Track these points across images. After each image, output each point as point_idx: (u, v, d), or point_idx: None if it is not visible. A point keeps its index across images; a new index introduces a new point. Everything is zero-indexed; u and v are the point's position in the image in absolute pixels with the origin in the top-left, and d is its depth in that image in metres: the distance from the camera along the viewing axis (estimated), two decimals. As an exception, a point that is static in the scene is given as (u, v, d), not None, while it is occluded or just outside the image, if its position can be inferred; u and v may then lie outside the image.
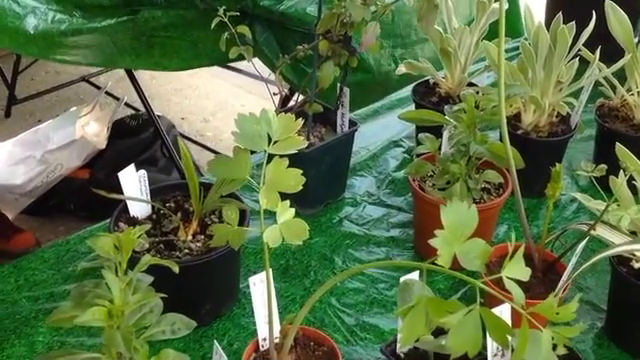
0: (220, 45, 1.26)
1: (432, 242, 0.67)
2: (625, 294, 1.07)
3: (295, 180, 0.78)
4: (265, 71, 2.26)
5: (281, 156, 0.80)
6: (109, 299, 0.75)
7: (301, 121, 0.83)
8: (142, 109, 2.70)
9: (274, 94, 1.32)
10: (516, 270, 0.70)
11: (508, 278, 0.69)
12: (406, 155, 1.56)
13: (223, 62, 2.35)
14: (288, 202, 0.79)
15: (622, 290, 1.07)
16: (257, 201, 0.78)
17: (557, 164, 1.02)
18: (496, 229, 1.34)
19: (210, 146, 3.18)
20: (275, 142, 0.81)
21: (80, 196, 2.60)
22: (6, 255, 2.21)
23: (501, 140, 1.09)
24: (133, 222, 1.12)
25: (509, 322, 0.75)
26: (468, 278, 0.69)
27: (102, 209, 1.17)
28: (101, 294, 0.76)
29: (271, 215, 0.79)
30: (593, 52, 1.34)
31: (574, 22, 1.31)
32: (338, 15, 1.19)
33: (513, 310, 0.71)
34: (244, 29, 1.29)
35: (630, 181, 1.07)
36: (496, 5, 1.40)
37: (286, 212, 0.79)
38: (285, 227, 0.78)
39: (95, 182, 2.64)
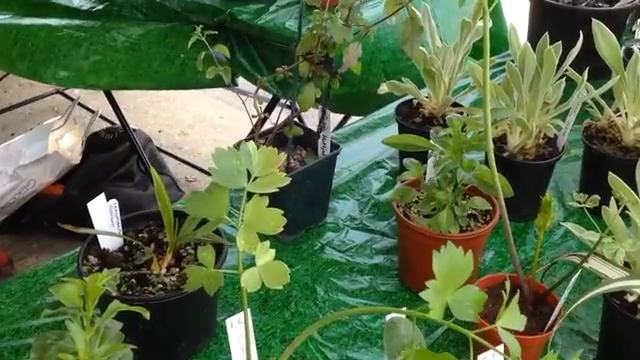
0: (197, 66, 1.20)
1: (424, 295, 0.62)
2: (619, 328, 1.03)
3: (275, 221, 0.73)
4: (246, 84, 2.21)
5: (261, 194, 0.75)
6: (73, 352, 0.69)
7: (283, 155, 0.78)
8: (118, 122, 2.64)
9: (253, 116, 1.27)
10: (511, 320, 0.65)
11: (504, 329, 0.64)
12: (389, 177, 1.51)
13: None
14: (268, 243, 0.74)
15: (615, 323, 1.03)
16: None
17: (547, 194, 0.98)
18: (483, 255, 1.29)
19: (188, 160, 3.11)
20: (255, 179, 0.76)
21: (54, 213, 2.53)
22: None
23: (487, 164, 1.05)
24: (103, 255, 1.06)
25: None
26: (460, 328, 0.65)
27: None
28: (65, 347, 0.70)
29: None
30: (579, 70, 1.31)
31: (560, 42, 1.27)
32: (319, 36, 1.15)
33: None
34: (222, 48, 1.23)
35: (622, 210, 1.03)
36: (481, 24, 1.36)
37: (265, 253, 0.74)
38: (264, 270, 0.73)
39: (69, 198, 2.57)
